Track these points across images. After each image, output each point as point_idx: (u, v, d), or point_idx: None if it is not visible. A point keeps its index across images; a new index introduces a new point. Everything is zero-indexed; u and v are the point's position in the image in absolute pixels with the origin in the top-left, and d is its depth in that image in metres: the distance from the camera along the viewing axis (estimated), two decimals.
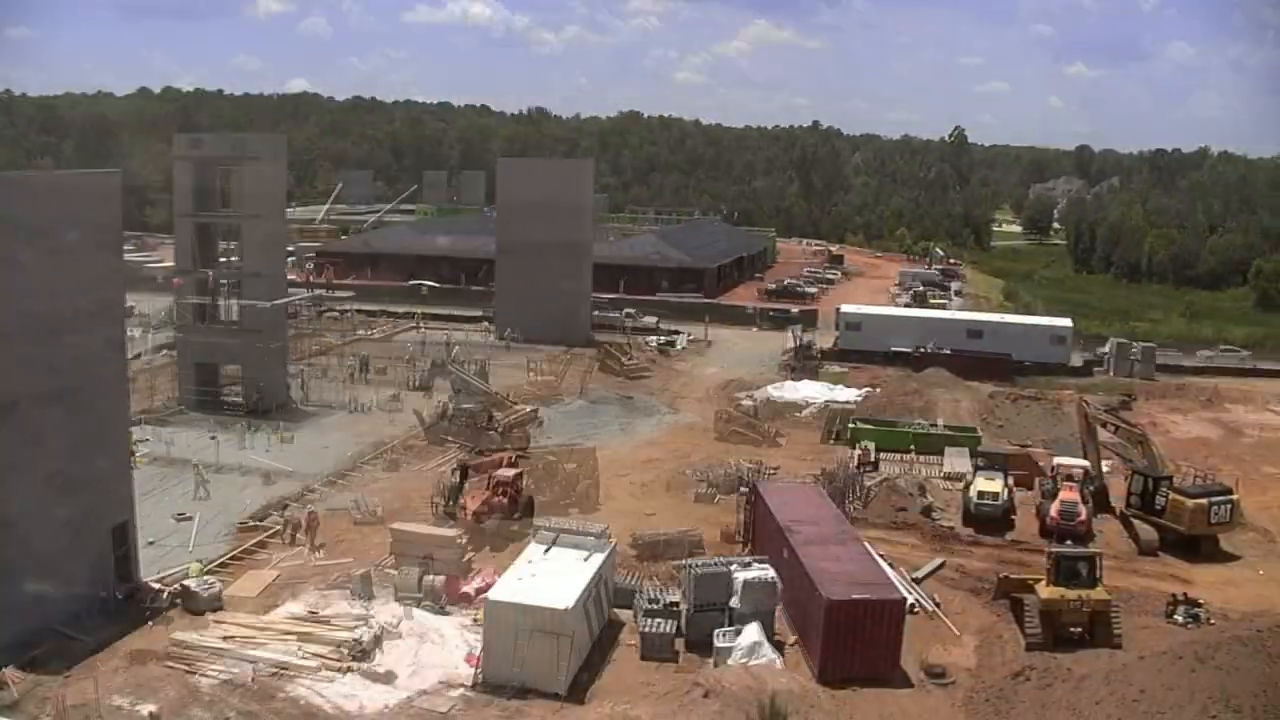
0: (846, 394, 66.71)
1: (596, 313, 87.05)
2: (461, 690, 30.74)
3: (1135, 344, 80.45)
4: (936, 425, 57.55)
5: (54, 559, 32.80)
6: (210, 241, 61.09)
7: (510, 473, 44.29)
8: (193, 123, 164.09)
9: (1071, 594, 34.21)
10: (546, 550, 34.93)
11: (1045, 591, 34.55)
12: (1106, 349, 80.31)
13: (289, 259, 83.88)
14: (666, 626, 33.42)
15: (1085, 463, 48.00)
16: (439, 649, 32.93)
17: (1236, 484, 46.62)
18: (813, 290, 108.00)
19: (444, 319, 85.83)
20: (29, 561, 32.00)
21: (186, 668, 31.13)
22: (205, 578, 36.28)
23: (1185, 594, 37.75)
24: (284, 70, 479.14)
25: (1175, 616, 36.28)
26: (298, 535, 41.14)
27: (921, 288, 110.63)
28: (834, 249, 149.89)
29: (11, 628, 31.16)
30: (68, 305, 33.14)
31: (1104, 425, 50.34)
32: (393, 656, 32.31)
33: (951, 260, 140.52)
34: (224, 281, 61.37)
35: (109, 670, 30.83)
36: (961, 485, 47.49)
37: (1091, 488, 46.40)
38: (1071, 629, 34.36)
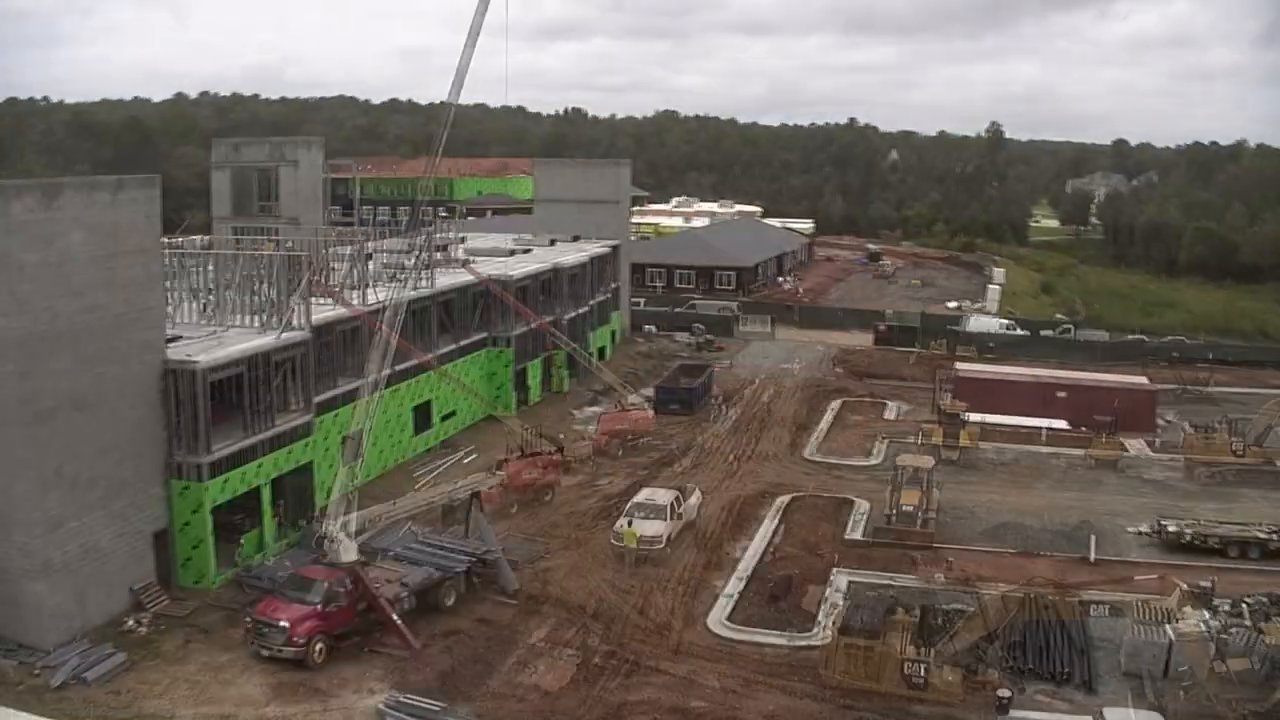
0: None
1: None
2: None
3: None
4: None
5: (92, 564, 32.77)
6: None
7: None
8: (230, 127, 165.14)
9: None
10: None
11: None
12: None
13: None
14: None
15: None
16: None
17: None
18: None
19: None
20: (65, 566, 31.94)
21: None
22: None
23: None
24: (319, 73, 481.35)
25: None
26: None
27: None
28: (871, 246, 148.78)
29: (48, 632, 31.34)
30: (106, 311, 33.13)
31: None
32: None
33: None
34: None
35: None
36: None
37: None
38: None
